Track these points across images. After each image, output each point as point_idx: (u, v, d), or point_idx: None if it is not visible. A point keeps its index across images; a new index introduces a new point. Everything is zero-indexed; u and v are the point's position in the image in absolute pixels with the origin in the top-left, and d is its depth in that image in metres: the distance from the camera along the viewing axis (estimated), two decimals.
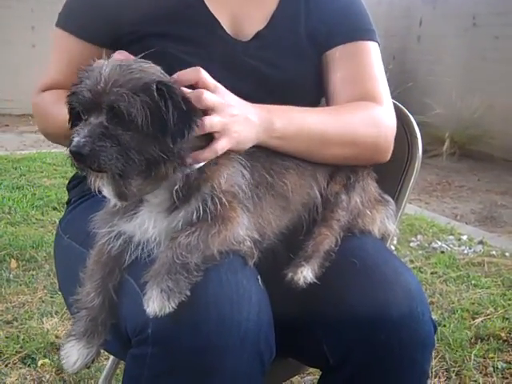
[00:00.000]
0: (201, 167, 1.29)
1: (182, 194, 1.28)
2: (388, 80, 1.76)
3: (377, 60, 1.73)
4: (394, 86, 6.68)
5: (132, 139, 1.20)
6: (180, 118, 1.22)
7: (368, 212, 1.56)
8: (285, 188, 1.44)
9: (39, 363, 2.63)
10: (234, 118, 1.38)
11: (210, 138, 1.33)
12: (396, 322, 1.35)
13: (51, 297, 3.26)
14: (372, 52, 1.72)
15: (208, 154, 1.31)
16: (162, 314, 1.16)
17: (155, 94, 1.21)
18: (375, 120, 1.64)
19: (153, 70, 1.26)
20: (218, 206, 1.27)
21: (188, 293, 1.19)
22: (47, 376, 2.57)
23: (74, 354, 1.33)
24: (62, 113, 1.35)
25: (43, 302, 3.21)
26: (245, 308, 1.23)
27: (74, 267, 1.43)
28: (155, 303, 1.16)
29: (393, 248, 1.84)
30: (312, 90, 1.74)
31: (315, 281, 1.39)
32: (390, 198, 1.68)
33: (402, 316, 1.35)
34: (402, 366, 1.38)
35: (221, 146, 1.33)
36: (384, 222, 1.62)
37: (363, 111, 1.64)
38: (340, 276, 1.42)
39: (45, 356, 2.67)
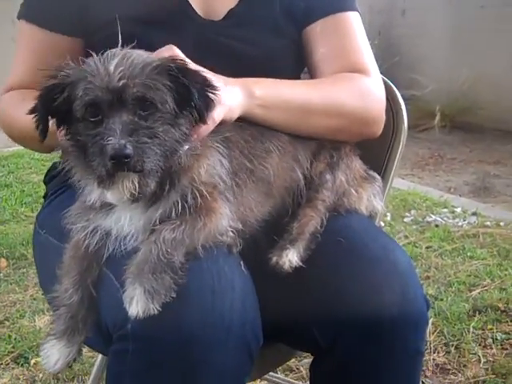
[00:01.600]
0: (178, 160, 1.23)
1: (161, 187, 1.22)
2: (374, 55, 1.71)
3: (359, 30, 1.68)
4: (381, 61, 6.58)
5: (160, 129, 1.16)
6: (201, 92, 1.19)
7: (354, 190, 1.52)
8: (266, 172, 1.40)
9: (32, 362, 2.61)
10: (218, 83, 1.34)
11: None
12: (386, 301, 1.32)
13: (42, 294, 3.20)
14: (354, 23, 1.67)
15: (208, 124, 1.27)
16: (146, 315, 1.11)
17: (173, 72, 1.17)
18: (362, 90, 1.60)
19: (146, 54, 1.22)
20: (199, 198, 1.22)
21: (174, 294, 1.14)
22: (40, 375, 2.54)
23: (54, 354, 1.29)
24: (22, 119, 1.30)
25: (35, 299, 3.18)
26: (228, 297, 1.19)
27: (52, 263, 1.38)
28: (139, 305, 1.12)
29: (382, 225, 1.80)
30: (291, 66, 1.69)
31: (301, 264, 1.36)
32: (376, 175, 1.64)
33: (392, 294, 1.32)
34: (395, 347, 1.34)
35: (217, 114, 1.29)
36: (371, 199, 1.58)
37: (349, 82, 1.60)
38: (327, 257, 1.38)
39: (37, 355, 2.62)
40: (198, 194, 1.22)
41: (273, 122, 1.47)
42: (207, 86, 1.22)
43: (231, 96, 1.37)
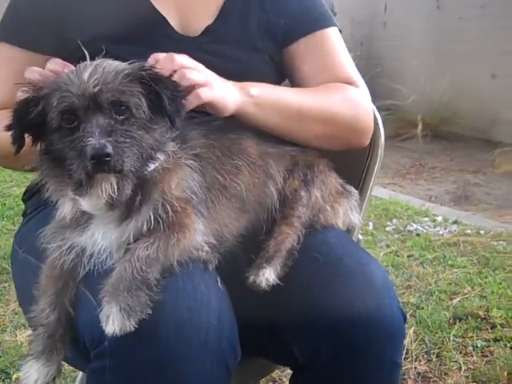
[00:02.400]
0: (150, 173, 1.25)
1: (132, 202, 1.24)
2: (356, 66, 1.75)
3: (340, 46, 1.73)
4: (363, 72, 6.50)
5: (136, 132, 1.18)
6: (172, 98, 1.22)
7: (329, 206, 1.53)
8: (238, 188, 1.41)
9: (14, 377, 2.58)
10: (216, 80, 1.40)
11: None
12: (362, 315, 1.33)
13: None
14: (334, 39, 1.72)
15: (192, 98, 1.31)
16: (122, 333, 1.12)
17: (145, 80, 1.20)
18: (353, 100, 1.64)
19: (116, 63, 1.25)
20: (170, 212, 1.23)
21: (149, 311, 1.15)
22: None
23: (33, 374, 1.29)
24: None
25: (16, 314, 3.14)
26: (204, 314, 1.20)
27: (30, 282, 1.39)
28: (115, 323, 1.12)
29: (360, 238, 1.81)
30: (268, 82, 1.70)
31: (278, 282, 1.36)
32: (352, 189, 1.66)
33: (367, 308, 1.34)
34: (371, 360, 1.36)
35: (204, 91, 1.33)
36: (347, 214, 1.59)
37: (341, 91, 1.64)
38: (303, 273, 1.40)
39: (19, 370, 2.59)
40: (169, 209, 1.24)
41: (265, 122, 1.50)
42: (178, 91, 1.24)
43: (226, 89, 1.41)
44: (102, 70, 1.20)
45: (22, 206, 4.97)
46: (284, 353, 1.42)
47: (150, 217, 1.23)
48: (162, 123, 1.24)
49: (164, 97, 1.20)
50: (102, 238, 1.25)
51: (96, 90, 1.17)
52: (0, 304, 3.26)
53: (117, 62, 1.25)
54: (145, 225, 1.23)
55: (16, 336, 2.92)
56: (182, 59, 1.36)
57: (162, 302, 1.17)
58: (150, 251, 1.19)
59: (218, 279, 1.30)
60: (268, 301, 1.37)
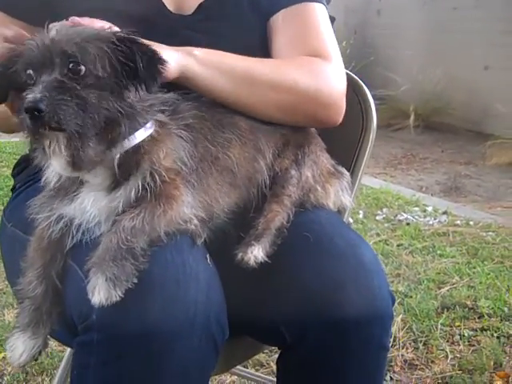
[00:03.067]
0: (139, 143, 1.24)
1: (122, 171, 1.22)
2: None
3: (323, 20, 1.66)
4: (356, 60, 6.64)
5: (89, 94, 1.14)
6: (148, 62, 1.18)
7: (319, 187, 1.52)
8: (229, 161, 1.39)
9: (0, 356, 2.57)
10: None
11: None
12: (351, 295, 1.33)
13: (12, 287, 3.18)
14: (317, 11, 1.66)
15: None
16: (109, 303, 1.11)
17: (115, 40, 1.17)
18: (317, 71, 1.57)
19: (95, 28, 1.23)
20: (159, 182, 1.22)
21: (135, 280, 1.14)
22: (9, 369, 2.51)
23: (19, 347, 1.28)
24: None
25: (4, 293, 3.13)
26: (192, 288, 1.19)
27: (18, 256, 1.37)
28: (101, 293, 1.11)
29: (350, 221, 1.81)
30: None
31: (266, 259, 1.36)
32: (344, 170, 1.65)
33: (357, 289, 1.33)
34: (359, 341, 1.35)
35: None
36: (338, 195, 1.58)
37: (304, 62, 1.58)
38: (293, 251, 1.39)
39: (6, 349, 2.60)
40: (158, 178, 1.22)
41: (215, 86, 1.45)
42: (154, 57, 1.21)
43: (165, 52, 1.33)
44: (70, 29, 1.19)
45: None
46: (272, 332, 1.41)
47: (138, 185, 1.22)
48: (134, 88, 1.20)
49: (138, 59, 1.17)
50: (91, 205, 1.23)
51: (53, 42, 1.15)
52: None
53: (94, 28, 1.23)
54: (133, 193, 1.22)
55: (4, 316, 2.90)
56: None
57: (150, 275, 1.16)
58: (135, 222, 1.18)
59: (207, 255, 1.29)
60: (257, 279, 1.36)
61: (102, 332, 1.16)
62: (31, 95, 1.09)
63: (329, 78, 1.59)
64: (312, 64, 1.59)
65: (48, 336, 1.32)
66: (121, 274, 1.13)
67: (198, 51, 1.45)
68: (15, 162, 1.83)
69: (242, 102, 1.48)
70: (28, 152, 1.75)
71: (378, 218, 4.50)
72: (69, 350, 1.92)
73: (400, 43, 8.36)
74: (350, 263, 1.36)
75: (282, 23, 1.64)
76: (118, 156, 1.22)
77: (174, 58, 1.38)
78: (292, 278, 1.36)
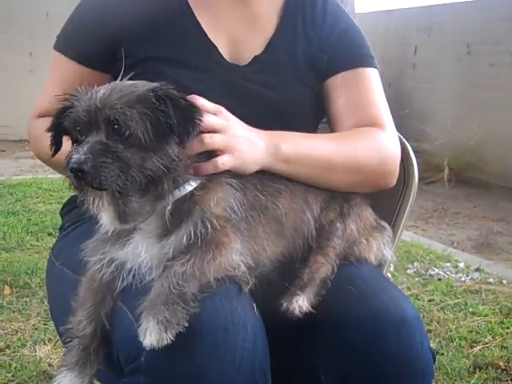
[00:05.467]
0: (190, 192, 1.28)
1: (173, 219, 1.27)
2: None
3: (377, 86, 1.75)
4: (391, 113, 6.61)
5: (133, 155, 1.19)
6: (183, 116, 1.23)
7: (364, 239, 1.55)
8: (278, 211, 1.42)
9: None
10: (238, 139, 1.40)
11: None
12: (393, 351, 1.33)
13: (44, 324, 3.21)
14: (372, 78, 1.74)
15: (209, 166, 1.32)
16: (160, 345, 1.14)
17: (153, 100, 1.22)
18: (379, 146, 1.66)
19: (145, 83, 1.28)
20: (210, 229, 1.26)
21: (186, 324, 1.17)
22: None
23: None
24: None
25: (36, 329, 3.17)
26: (240, 336, 1.21)
27: (66, 294, 1.41)
28: (152, 335, 1.14)
29: (389, 275, 1.82)
30: (311, 114, 1.75)
31: (311, 310, 1.37)
32: (386, 225, 1.67)
33: (399, 345, 1.33)
34: None
35: (222, 160, 1.34)
36: (380, 248, 1.61)
37: (367, 137, 1.65)
38: (336, 303, 1.40)
39: None
40: (209, 226, 1.26)
41: (292, 176, 1.51)
42: (190, 110, 1.26)
43: (251, 150, 1.42)
44: (112, 89, 1.24)
45: (47, 223, 5.05)
46: (311, 381, 1.42)
47: (190, 232, 1.26)
48: (173, 144, 1.25)
49: (171, 115, 1.21)
50: (144, 251, 1.27)
51: (97, 107, 1.21)
52: (21, 319, 3.28)
53: (140, 84, 1.28)
54: (184, 239, 1.26)
55: (35, 351, 2.93)
56: (206, 101, 1.38)
57: (200, 321, 1.19)
58: (186, 267, 1.21)
59: (254, 305, 1.31)
60: (300, 328, 1.38)
61: (149, 375, 1.18)
62: (76, 156, 1.16)
63: (389, 150, 1.67)
64: (375, 138, 1.66)
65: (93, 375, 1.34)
66: (172, 318, 1.15)
67: (286, 146, 1.49)
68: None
69: (316, 183, 1.56)
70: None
71: (408, 271, 4.46)
72: None
73: (435, 97, 8.40)
74: (393, 319, 1.36)
75: (340, 85, 1.71)
76: (169, 207, 1.27)
77: (258, 157, 1.44)
78: (335, 329, 1.37)
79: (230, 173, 1.38)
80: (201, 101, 1.36)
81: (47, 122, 1.67)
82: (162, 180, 1.23)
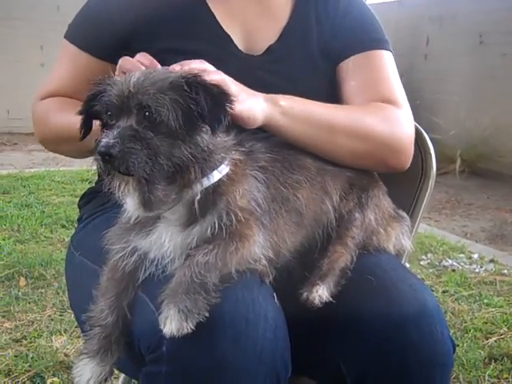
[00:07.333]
0: (216, 183, 1.28)
1: (199, 209, 1.27)
2: None
3: (391, 66, 1.72)
4: None
5: (162, 142, 1.19)
6: (214, 103, 1.22)
7: (382, 229, 1.54)
8: (298, 203, 1.42)
9: (48, 382, 2.60)
10: (239, 86, 1.41)
11: None
12: (415, 340, 1.33)
13: (60, 315, 3.24)
14: (385, 58, 1.72)
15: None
16: (180, 334, 1.14)
17: (185, 87, 1.21)
18: (391, 118, 1.62)
19: (176, 71, 1.27)
20: (234, 221, 1.26)
21: (206, 314, 1.17)
22: None
23: (87, 373, 1.31)
24: (63, 120, 1.47)
25: (52, 320, 3.19)
26: (261, 326, 1.21)
27: (85, 284, 1.42)
28: (173, 324, 1.14)
29: (407, 265, 1.82)
30: (326, 102, 1.73)
31: (331, 299, 1.37)
32: (404, 214, 1.67)
33: (420, 334, 1.33)
34: None
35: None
36: (399, 238, 1.60)
37: (379, 109, 1.63)
38: (356, 293, 1.40)
39: (54, 375, 2.65)
40: (233, 218, 1.26)
41: (296, 134, 1.50)
42: (221, 97, 1.25)
43: (252, 100, 1.42)
44: (146, 75, 1.24)
45: (60, 215, 5.07)
46: (332, 371, 1.42)
47: (214, 223, 1.26)
48: (204, 133, 1.24)
49: (203, 103, 1.21)
50: (168, 240, 1.27)
51: (130, 91, 1.20)
52: (37, 309, 3.30)
53: (168, 71, 1.28)
54: (209, 230, 1.26)
55: (52, 342, 2.95)
56: (211, 67, 1.39)
57: (221, 312, 1.19)
58: (208, 257, 1.21)
59: (275, 295, 1.31)
60: (320, 318, 1.37)
61: (171, 364, 1.19)
62: (105, 140, 1.16)
63: (401, 125, 1.63)
64: (385, 111, 1.63)
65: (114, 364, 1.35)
66: (193, 307, 1.15)
67: (284, 101, 1.50)
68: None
69: (319, 147, 1.53)
70: (95, 184, 1.81)
71: (422, 262, 4.45)
72: (122, 376, 1.95)
73: (447, 88, 8.35)
74: (413, 308, 1.36)
75: (352, 69, 1.69)
76: (198, 197, 1.26)
77: (261, 108, 1.44)
78: (355, 318, 1.37)
79: (254, 166, 1.37)
80: (207, 65, 1.38)
81: (54, 101, 1.69)
82: (189, 169, 1.23)
